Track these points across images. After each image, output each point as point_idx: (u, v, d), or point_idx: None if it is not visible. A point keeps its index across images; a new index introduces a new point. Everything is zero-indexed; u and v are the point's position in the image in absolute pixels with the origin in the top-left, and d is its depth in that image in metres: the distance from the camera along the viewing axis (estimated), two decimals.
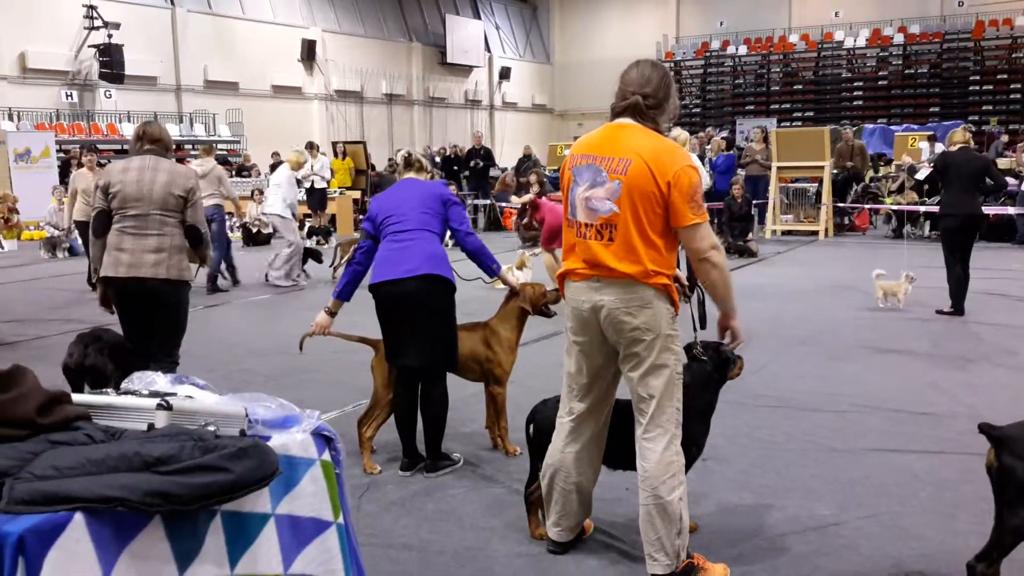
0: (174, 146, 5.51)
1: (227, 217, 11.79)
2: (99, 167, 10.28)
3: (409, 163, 4.73)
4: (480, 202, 18.72)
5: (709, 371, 3.61)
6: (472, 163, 20.06)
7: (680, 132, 9.59)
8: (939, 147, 18.63)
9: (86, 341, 4.83)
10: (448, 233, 4.61)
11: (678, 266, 3.40)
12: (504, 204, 17.99)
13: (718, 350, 3.63)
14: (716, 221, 14.44)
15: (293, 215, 11.18)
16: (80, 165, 11.26)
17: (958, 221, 8.43)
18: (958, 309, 8.49)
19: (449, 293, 4.43)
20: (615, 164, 3.18)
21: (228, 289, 10.90)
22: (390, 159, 20.66)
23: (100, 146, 22.02)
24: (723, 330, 3.43)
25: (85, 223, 9.80)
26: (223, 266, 10.95)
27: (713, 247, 3.19)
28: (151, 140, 5.00)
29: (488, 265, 4.62)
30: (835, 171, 16.70)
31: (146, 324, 4.92)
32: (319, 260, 11.92)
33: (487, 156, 20.59)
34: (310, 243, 14.86)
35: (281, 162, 20.66)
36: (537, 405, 3.82)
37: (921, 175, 8.64)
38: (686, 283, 3.74)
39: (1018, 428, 3.02)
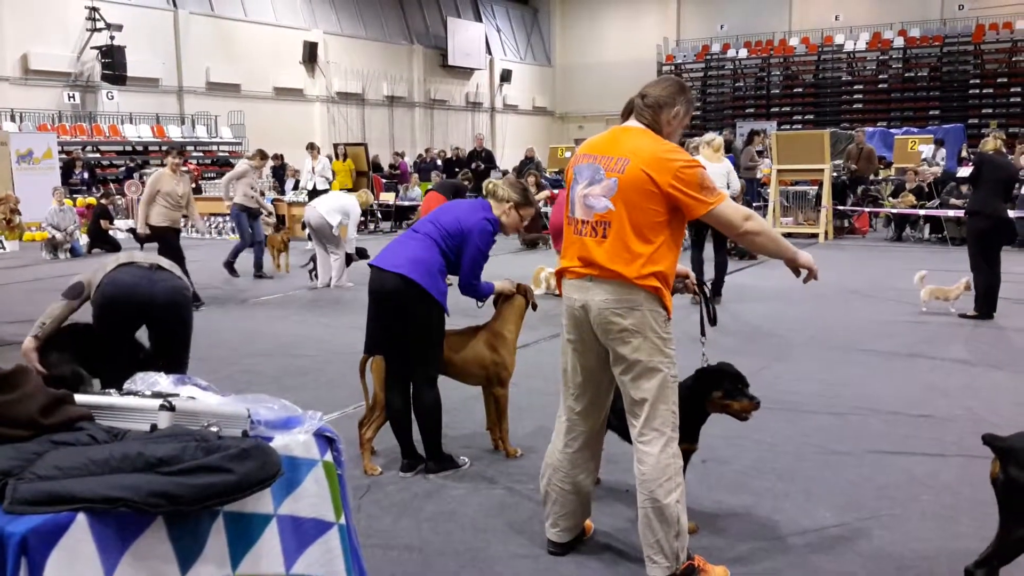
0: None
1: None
2: (182, 170, 10.04)
3: (487, 190, 4.74)
4: None
5: (690, 385, 3.59)
6: (473, 165, 20.07)
7: (714, 136, 9.64)
8: (943, 152, 18.67)
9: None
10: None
11: (696, 270, 3.38)
12: None
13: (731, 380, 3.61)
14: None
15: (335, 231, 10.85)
16: (162, 165, 10.80)
17: (990, 222, 8.25)
18: (983, 313, 8.34)
19: (423, 302, 4.33)
20: (613, 163, 3.20)
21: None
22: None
23: (102, 147, 22.09)
24: (795, 270, 3.31)
25: (168, 228, 9.50)
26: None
27: (746, 218, 3.17)
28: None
29: (477, 298, 4.68)
30: (838, 172, 16.69)
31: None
32: (366, 257, 11.89)
33: (488, 158, 20.62)
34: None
35: (285, 164, 20.76)
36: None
37: (963, 173, 8.55)
38: (694, 283, 3.76)
39: (1023, 439, 2.98)
